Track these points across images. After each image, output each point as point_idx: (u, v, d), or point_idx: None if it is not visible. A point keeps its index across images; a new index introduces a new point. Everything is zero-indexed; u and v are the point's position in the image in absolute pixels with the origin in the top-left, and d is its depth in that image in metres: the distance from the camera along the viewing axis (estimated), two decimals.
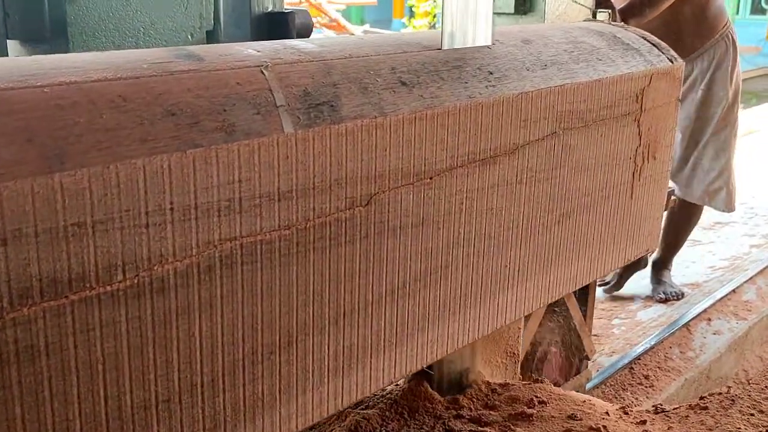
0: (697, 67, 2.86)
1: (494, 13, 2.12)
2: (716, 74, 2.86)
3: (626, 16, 2.34)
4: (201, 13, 1.37)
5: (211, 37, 1.43)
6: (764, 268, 3.31)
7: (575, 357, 2.20)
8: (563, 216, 1.32)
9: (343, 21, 9.57)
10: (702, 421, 1.51)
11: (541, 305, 1.34)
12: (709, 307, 2.90)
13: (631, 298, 3.22)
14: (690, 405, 1.60)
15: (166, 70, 0.81)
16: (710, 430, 1.46)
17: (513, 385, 1.59)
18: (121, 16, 1.25)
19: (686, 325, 2.75)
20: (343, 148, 0.90)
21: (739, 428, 1.40)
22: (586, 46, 1.37)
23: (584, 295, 2.30)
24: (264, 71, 0.88)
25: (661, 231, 3.24)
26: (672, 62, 1.51)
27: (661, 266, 3.30)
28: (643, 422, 1.53)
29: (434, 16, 10.15)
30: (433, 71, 1.07)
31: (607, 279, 3.04)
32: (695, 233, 3.90)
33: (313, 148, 0.87)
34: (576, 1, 2.04)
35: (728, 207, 3.00)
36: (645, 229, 1.57)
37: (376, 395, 1.52)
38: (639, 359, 2.50)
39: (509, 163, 1.16)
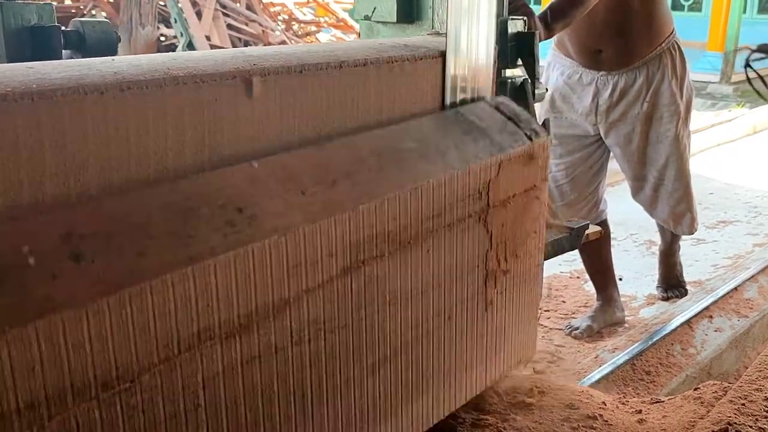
0: (641, 76, 2.53)
1: (374, 22, 1.76)
2: (662, 87, 2.55)
3: (552, 20, 2.03)
4: None
5: None
6: (766, 267, 3.23)
7: None
8: (380, 362, 1.04)
9: (350, 21, 9.22)
10: (695, 410, 1.53)
11: None
12: (711, 305, 2.83)
13: (634, 296, 3.19)
14: (684, 395, 1.63)
15: None
16: (702, 418, 1.47)
17: (514, 375, 1.61)
18: None
19: (688, 322, 2.69)
20: None
21: (730, 416, 1.41)
22: (406, 138, 1.08)
23: None
24: None
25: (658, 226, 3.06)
26: (531, 139, 1.23)
27: (668, 255, 3.10)
28: (639, 411, 1.56)
29: None
30: (140, 225, 0.78)
31: (576, 324, 2.80)
32: (699, 233, 3.78)
33: None
34: None
35: (691, 230, 2.86)
36: (514, 339, 1.30)
37: None
38: (641, 355, 2.43)
39: (275, 324, 0.88)
